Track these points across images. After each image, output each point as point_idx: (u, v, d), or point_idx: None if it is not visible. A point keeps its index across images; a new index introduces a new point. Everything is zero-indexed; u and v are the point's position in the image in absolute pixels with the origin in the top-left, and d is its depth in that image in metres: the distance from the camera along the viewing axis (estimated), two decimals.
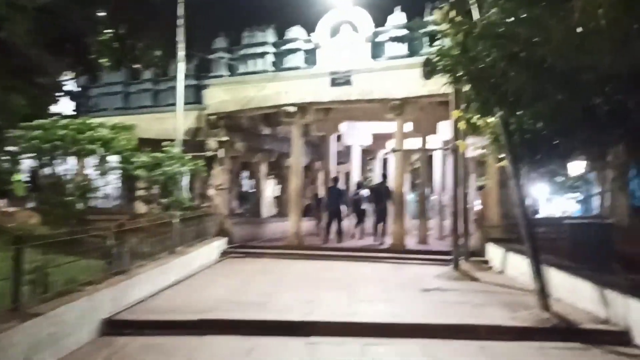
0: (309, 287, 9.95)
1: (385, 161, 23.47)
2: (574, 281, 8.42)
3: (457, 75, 7.57)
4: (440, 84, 13.74)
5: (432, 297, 9.11)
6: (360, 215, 17.00)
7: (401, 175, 14.38)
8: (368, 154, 22.58)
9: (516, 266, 11.04)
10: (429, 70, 11.26)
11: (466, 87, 7.90)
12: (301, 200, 15.86)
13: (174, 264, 10.73)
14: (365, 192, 16.80)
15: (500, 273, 11.65)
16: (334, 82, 14.67)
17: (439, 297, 9.09)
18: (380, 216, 15.72)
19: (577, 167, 22.41)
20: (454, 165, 11.47)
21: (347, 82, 14.50)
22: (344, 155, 21.28)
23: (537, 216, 17.73)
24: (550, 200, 44.74)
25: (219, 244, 14.69)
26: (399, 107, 14.06)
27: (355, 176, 19.78)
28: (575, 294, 8.38)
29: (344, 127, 17.50)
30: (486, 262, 12.63)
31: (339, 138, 18.84)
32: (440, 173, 18.47)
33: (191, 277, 11.13)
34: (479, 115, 9.36)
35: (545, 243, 12.78)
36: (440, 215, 18.36)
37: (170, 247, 11.51)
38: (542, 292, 7.53)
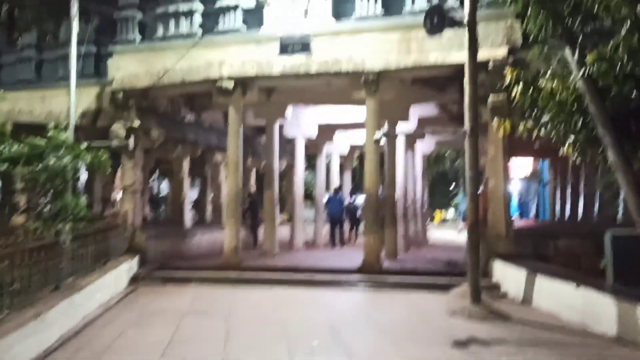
0: (280, 343, 6.36)
1: (329, 156, 20.18)
2: None
3: None
4: (430, 50, 10.82)
5: None
6: (355, 222, 18.22)
7: (376, 171, 11.02)
8: (309, 148, 19.03)
9: (554, 296, 8.01)
10: (438, 22, 8.01)
11: None
12: (239, 206, 12.12)
13: (57, 311, 6.77)
14: (360, 200, 17.46)
15: (524, 304, 8.59)
16: (286, 49, 11.07)
17: None
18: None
19: None
20: (470, 154, 8.19)
21: (304, 49, 10.96)
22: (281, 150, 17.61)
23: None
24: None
25: (128, 267, 10.73)
26: (374, 83, 10.72)
27: (300, 176, 16.25)
28: None
29: (289, 112, 13.94)
30: (496, 286, 9.57)
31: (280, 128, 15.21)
32: (403, 171, 15.34)
33: (85, 328, 7.18)
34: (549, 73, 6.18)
35: (571, 260, 10.02)
36: (404, 222, 15.25)
37: (54, 280, 7.54)
38: None
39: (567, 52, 5.76)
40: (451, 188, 45.70)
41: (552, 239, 10.23)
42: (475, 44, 8.21)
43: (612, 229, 8.87)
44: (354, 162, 25.48)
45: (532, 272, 8.68)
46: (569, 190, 18.98)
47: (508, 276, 9.48)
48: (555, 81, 5.94)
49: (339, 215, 16.91)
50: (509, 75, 6.42)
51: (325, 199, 17.81)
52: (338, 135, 18.33)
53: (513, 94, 6.36)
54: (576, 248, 9.87)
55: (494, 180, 10.31)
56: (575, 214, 17.51)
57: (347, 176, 21.67)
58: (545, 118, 6.28)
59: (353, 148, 20.50)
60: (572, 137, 6.24)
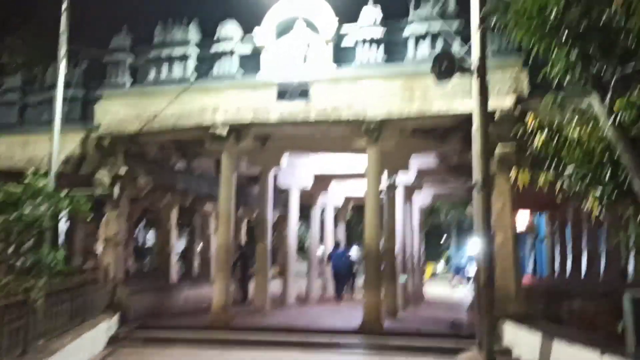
0: None
1: (323, 208, 19.50)
2: None
3: None
4: (434, 99, 10.40)
5: None
6: (351, 276, 17.79)
7: (377, 224, 10.40)
8: (303, 199, 18.38)
9: None
10: (447, 68, 7.58)
11: None
12: (230, 259, 11.39)
13: None
14: (354, 253, 17.83)
15: None
16: (283, 96, 10.62)
17: None
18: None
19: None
20: (482, 209, 7.64)
21: (303, 96, 10.50)
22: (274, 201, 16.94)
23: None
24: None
25: (107, 326, 9.87)
26: (375, 131, 10.25)
27: (293, 229, 15.57)
28: None
29: (284, 161, 13.38)
30: (507, 351, 8.81)
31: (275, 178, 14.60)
32: (402, 224, 14.72)
33: None
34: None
35: (585, 322, 9.30)
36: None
37: (22, 343, 6.72)
38: None
39: (595, 98, 5.27)
40: (442, 241, 44.97)
41: (565, 299, 9.54)
42: (486, 91, 7.77)
43: (631, 290, 8.24)
44: (348, 214, 24.85)
45: (548, 336, 7.94)
46: (569, 246, 18.35)
47: (520, 340, 8.73)
48: (583, 130, 5.41)
49: (343, 269, 16.84)
50: (530, 122, 5.88)
51: (325, 254, 17.52)
52: (333, 186, 17.79)
53: (536, 143, 5.81)
54: (590, 309, 9.18)
55: (501, 236, 9.69)
56: (578, 271, 16.84)
57: (341, 228, 21.00)
58: (569, 169, 5.72)
59: (348, 199, 19.91)
60: (598, 190, 5.65)
